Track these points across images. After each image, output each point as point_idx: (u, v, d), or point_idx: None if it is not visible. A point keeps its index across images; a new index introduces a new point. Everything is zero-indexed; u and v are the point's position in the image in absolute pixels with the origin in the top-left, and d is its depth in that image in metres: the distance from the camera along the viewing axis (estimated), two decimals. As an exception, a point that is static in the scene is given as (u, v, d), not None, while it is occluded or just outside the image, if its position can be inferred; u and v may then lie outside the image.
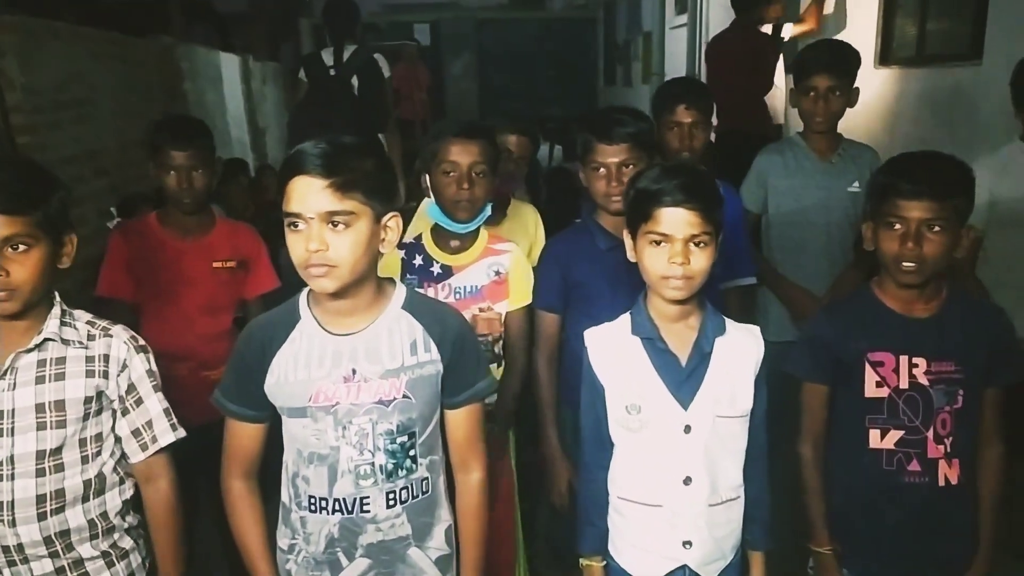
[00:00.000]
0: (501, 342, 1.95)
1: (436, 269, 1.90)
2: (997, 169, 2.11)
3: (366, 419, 1.30)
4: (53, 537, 1.39)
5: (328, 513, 1.33)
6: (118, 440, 1.47)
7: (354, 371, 1.30)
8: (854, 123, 4.79)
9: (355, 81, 3.93)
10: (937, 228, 1.44)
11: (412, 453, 1.34)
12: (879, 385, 1.52)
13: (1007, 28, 3.32)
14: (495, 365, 1.94)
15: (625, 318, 1.47)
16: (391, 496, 1.33)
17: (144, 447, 1.46)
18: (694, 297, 1.42)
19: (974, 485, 1.57)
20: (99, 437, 1.44)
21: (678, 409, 1.41)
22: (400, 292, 1.38)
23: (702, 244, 1.37)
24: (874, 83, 4.46)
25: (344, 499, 1.32)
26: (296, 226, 1.24)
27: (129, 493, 1.50)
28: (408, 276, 1.90)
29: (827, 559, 1.62)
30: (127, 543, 1.50)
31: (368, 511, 1.32)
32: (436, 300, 1.65)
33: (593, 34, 12.67)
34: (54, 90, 4.03)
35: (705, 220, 1.36)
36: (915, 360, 1.50)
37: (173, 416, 1.49)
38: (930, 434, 1.51)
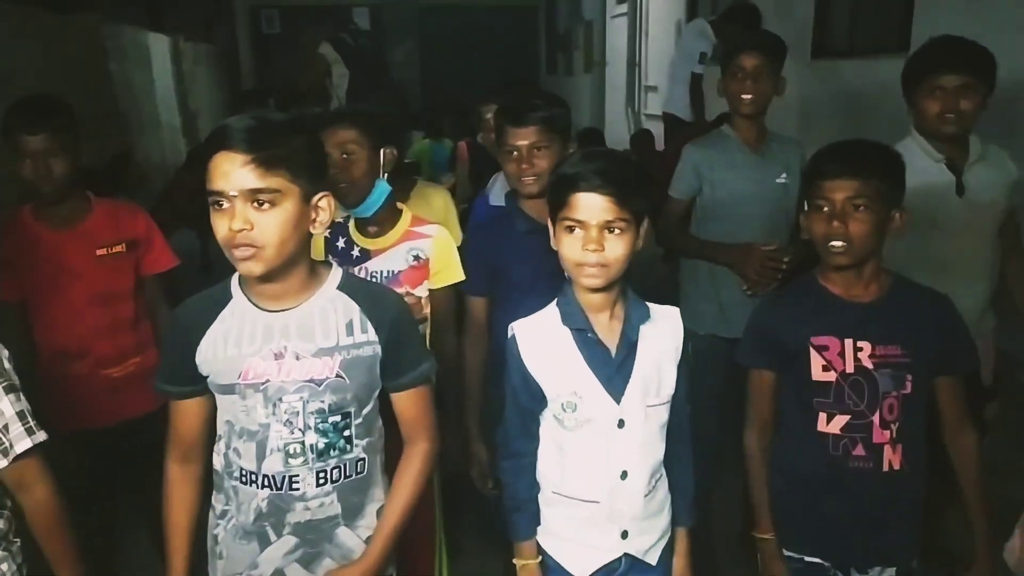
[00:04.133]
0: (423, 324, 1.93)
1: (355, 252, 1.88)
2: None
3: (296, 397, 1.27)
4: None
5: (257, 487, 1.30)
6: None
7: (286, 348, 1.27)
8: (789, 114, 4.92)
9: None
10: (861, 207, 1.47)
11: (347, 434, 1.31)
12: (825, 369, 1.53)
13: (933, 21, 3.44)
14: None
15: (552, 309, 1.44)
16: (322, 475, 1.31)
17: (5, 453, 1.33)
18: (616, 285, 1.40)
19: (920, 473, 1.58)
20: None
21: (611, 404, 1.40)
22: (336, 273, 1.34)
23: (617, 231, 1.34)
24: (809, 76, 4.58)
25: (273, 476, 1.29)
26: (220, 205, 1.18)
27: None
28: (329, 258, 1.87)
29: (770, 545, 1.63)
30: None
31: (297, 489, 1.30)
32: (374, 282, 1.61)
33: (535, 22, 12.67)
34: (-32, 67, 3.82)
35: (620, 206, 1.33)
36: (859, 344, 1.51)
37: (30, 419, 1.35)
38: (876, 419, 1.51)
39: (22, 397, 1.36)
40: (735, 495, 2.53)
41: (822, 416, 1.54)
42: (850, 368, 1.52)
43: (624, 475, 1.41)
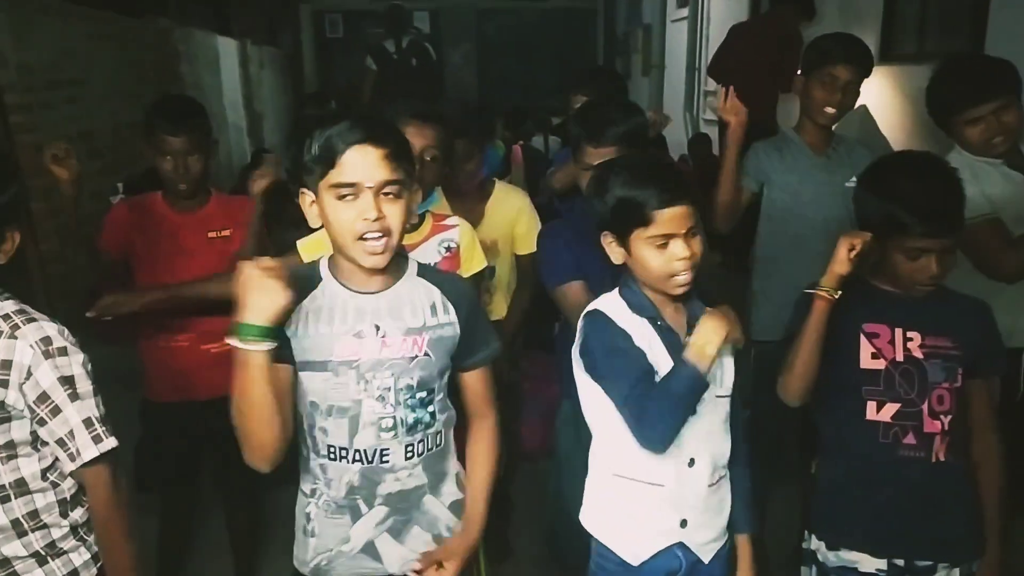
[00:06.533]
0: None
1: None
2: None
3: (388, 374, 1.33)
4: None
5: (348, 462, 1.36)
6: (44, 444, 1.35)
7: (378, 327, 1.33)
8: (853, 119, 4.79)
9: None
10: (948, 253, 1.50)
11: (431, 409, 1.39)
12: (875, 357, 1.55)
13: (1009, 25, 3.31)
14: None
15: (617, 299, 1.46)
16: (409, 448, 1.37)
17: (72, 458, 1.33)
18: None
19: (968, 466, 1.58)
20: (10, 445, 1.32)
21: None
22: (413, 263, 1.43)
23: (696, 233, 1.40)
24: (876, 81, 4.45)
25: (365, 450, 1.35)
26: (350, 196, 1.25)
27: (69, 493, 1.41)
28: None
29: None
30: (68, 543, 1.41)
31: (387, 462, 1.36)
32: (443, 271, 1.68)
33: (593, 25, 12.62)
34: (47, 69, 4.00)
35: (695, 210, 1.39)
36: (909, 334, 1.54)
37: (98, 425, 1.34)
38: (925, 407, 1.52)
39: (95, 403, 1.35)
40: (791, 505, 2.48)
41: (871, 404, 1.55)
42: (900, 356, 1.53)
43: (692, 463, 1.43)
